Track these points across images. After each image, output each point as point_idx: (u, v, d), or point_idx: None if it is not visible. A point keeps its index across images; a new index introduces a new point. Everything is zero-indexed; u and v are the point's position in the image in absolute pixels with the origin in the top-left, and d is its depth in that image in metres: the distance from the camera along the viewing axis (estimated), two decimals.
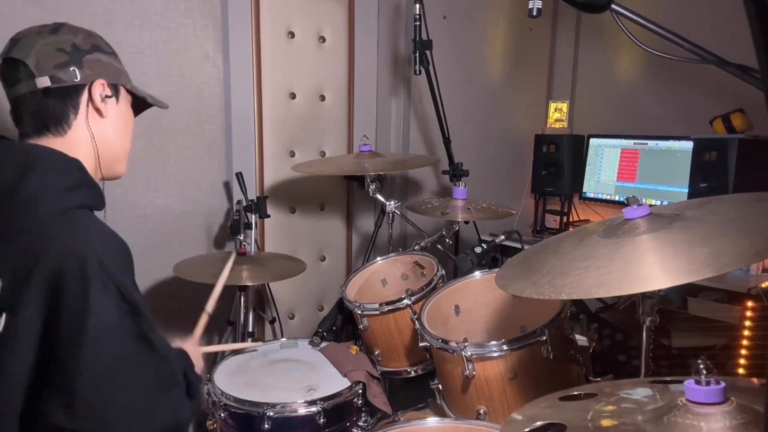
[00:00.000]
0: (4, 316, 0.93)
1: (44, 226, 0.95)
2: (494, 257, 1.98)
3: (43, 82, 1.06)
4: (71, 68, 1.07)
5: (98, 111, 1.12)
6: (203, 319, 1.52)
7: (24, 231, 0.94)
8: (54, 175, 1.00)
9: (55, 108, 1.08)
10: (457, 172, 2.59)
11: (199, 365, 1.28)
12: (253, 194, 2.43)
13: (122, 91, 1.19)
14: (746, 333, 1.89)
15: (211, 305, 1.56)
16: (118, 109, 1.17)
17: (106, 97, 1.13)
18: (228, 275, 1.67)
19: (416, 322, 1.65)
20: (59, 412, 0.92)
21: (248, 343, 1.93)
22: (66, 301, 0.91)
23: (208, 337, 2.51)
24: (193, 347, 1.34)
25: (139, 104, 1.28)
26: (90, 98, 1.11)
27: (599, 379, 1.52)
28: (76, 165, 1.06)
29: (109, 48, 1.17)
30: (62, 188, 0.99)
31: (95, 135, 1.12)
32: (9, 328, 0.93)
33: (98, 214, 1.06)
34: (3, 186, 0.98)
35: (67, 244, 0.94)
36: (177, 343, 1.34)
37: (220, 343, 2.49)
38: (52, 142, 1.08)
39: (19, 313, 0.92)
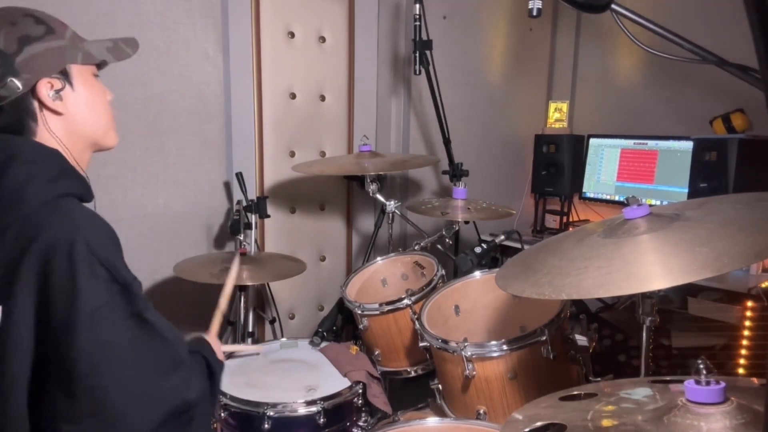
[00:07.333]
0: (0, 309, 0.92)
1: (31, 216, 0.93)
2: (494, 257, 1.98)
3: None
4: (8, 80, 0.96)
5: (55, 112, 1.02)
6: (218, 317, 1.48)
7: (12, 223, 0.93)
8: (36, 165, 0.98)
9: (13, 124, 1.01)
10: (457, 172, 2.59)
11: (219, 354, 1.25)
12: (253, 194, 2.43)
13: (74, 69, 1.05)
14: (746, 333, 1.89)
15: (224, 303, 1.50)
16: (77, 94, 1.05)
17: (58, 91, 1.01)
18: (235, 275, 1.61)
19: (416, 322, 1.65)
20: (63, 403, 0.91)
21: (247, 346, 1.92)
22: (55, 286, 0.90)
23: None
24: (213, 339, 1.33)
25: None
26: (40, 103, 1.01)
27: (599, 379, 1.52)
28: (56, 155, 1.02)
29: (38, 26, 1.00)
30: (46, 178, 0.97)
31: (61, 135, 1.04)
32: (6, 320, 0.92)
33: (89, 206, 1.03)
34: None
35: (54, 230, 0.92)
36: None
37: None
38: None
39: (13, 304, 0.91)
